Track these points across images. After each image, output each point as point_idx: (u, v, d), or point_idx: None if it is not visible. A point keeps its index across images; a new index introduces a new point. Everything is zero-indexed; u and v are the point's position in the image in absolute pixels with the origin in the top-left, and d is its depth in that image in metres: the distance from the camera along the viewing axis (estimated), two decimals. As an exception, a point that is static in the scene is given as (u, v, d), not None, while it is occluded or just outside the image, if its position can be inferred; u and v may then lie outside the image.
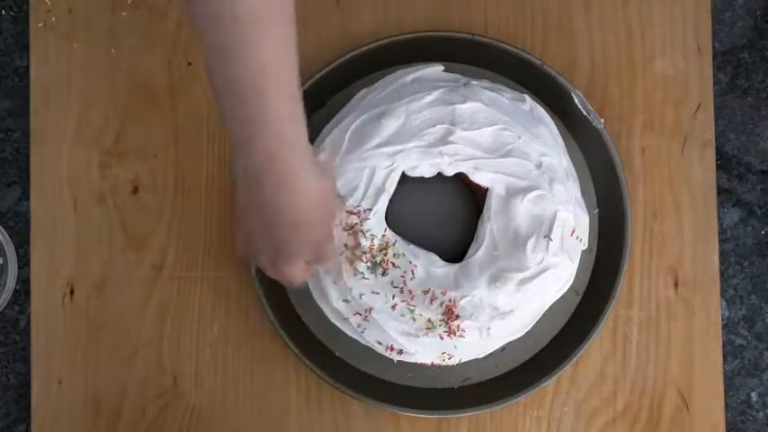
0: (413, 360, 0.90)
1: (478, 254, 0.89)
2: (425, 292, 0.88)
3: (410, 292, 0.88)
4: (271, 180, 0.71)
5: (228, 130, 0.71)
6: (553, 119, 0.93)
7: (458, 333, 0.88)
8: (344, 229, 0.88)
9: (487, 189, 0.89)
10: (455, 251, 0.91)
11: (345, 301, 0.88)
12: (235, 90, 0.68)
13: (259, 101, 0.68)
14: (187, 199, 0.97)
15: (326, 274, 0.89)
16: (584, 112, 0.93)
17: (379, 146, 0.88)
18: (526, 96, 0.92)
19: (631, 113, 0.97)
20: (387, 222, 0.89)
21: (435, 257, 0.90)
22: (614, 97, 0.97)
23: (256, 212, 0.74)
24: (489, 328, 0.88)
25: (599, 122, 0.93)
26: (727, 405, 0.96)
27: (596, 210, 0.95)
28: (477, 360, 0.92)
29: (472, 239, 0.91)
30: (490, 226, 0.89)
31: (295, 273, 0.79)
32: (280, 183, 0.72)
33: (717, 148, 0.97)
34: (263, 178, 0.71)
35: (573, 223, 0.89)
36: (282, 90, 0.69)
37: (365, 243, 0.88)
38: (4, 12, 0.98)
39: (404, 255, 0.89)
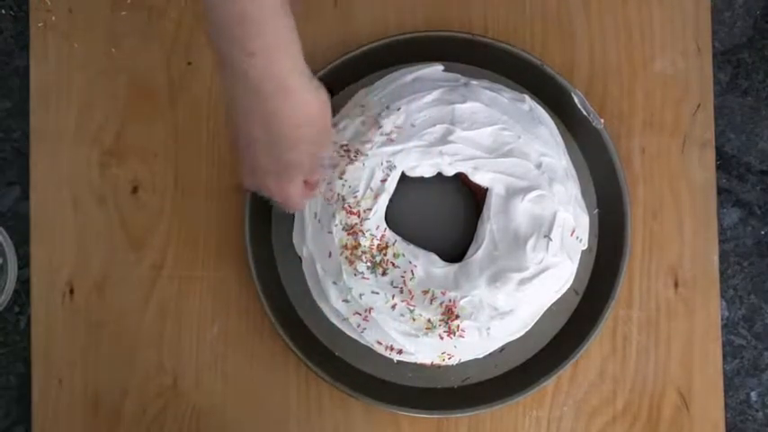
0: (413, 360, 0.90)
1: (478, 254, 0.89)
2: (425, 292, 0.88)
3: (410, 292, 0.88)
4: (271, 84, 0.73)
5: (219, 48, 0.72)
6: (553, 119, 0.93)
7: (457, 333, 0.88)
8: (344, 230, 0.88)
9: (487, 189, 0.89)
10: (455, 251, 0.91)
11: (345, 301, 0.88)
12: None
13: (255, 6, 0.70)
14: (187, 198, 0.97)
15: (327, 275, 0.89)
16: (584, 112, 0.93)
17: (378, 146, 0.88)
18: (526, 96, 0.92)
19: (631, 113, 0.97)
20: (386, 222, 0.89)
21: (435, 257, 0.90)
22: (614, 97, 0.97)
23: (260, 126, 0.75)
24: (489, 328, 0.88)
25: (599, 122, 0.93)
26: (726, 405, 0.96)
27: (596, 210, 0.95)
28: (476, 360, 0.92)
29: (472, 239, 0.91)
30: (490, 226, 0.89)
31: (297, 192, 0.81)
32: (280, 86, 0.73)
33: (716, 148, 0.97)
34: (263, 84, 0.73)
35: (573, 223, 0.89)
36: (275, 5, 0.71)
37: (365, 243, 0.88)
38: (4, 11, 0.98)
39: (403, 255, 0.89)
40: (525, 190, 0.88)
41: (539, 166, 0.88)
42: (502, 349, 0.93)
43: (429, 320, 0.87)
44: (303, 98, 0.75)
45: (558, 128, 0.93)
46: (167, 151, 0.97)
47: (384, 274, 0.88)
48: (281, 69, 0.73)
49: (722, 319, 0.96)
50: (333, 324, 0.91)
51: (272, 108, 0.74)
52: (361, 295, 0.88)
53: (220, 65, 0.74)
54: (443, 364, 0.90)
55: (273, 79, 0.73)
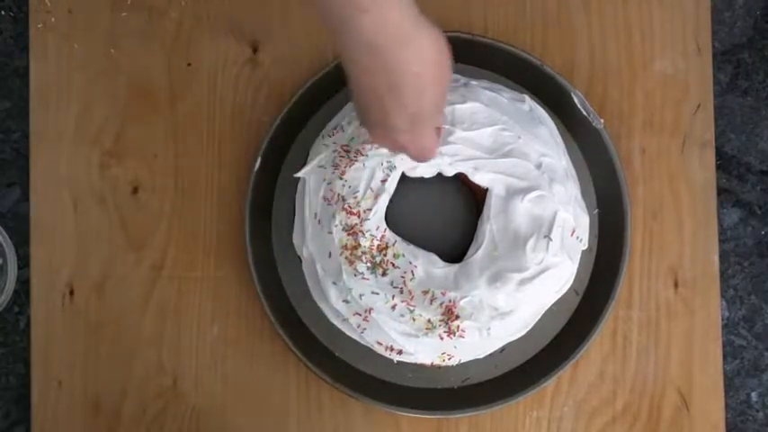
0: (413, 360, 0.90)
1: (478, 254, 0.89)
2: (425, 293, 0.88)
3: (410, 292, 0.88)
4: (386, 36, 0.73)
5: (332, 11, 0.72)
6: (553, 119, 0.93)
7: (457, 333, 0.88)
8: (344, 230, 0.88)
9: (487, 189, 0.89)
10: (455, 251, 0.91)
11: (345, 301, 0.88)
12: None
13: None
14: (187, 199, 0.97)
15: (327, 275, 0.89)
16: (584, 113, 0.93)
17: (378, 146, 0.88)
18: (526, 96, 0.92)
19: (631, 113, 0.96)
20: (387, 223, 0.89)
21: (435, 258, 0.90)
22: (614, 97, 0.97)
23: (383, 82, 0.75)
24: (489, 329, 0.88)
25: (599, 122, 0.93)
26: (727, 405, 0.96)
27: (596, 210, 0.95)
28: (476, 360, 0.92)
29: (472, 240, 0.91)
30: (490, 226, 0.89)
31: (431, 142, 0.81)
32: (395, 36, 0.73)
33: (717, 149, 0.97)
34: (379, 38, 0.73)
35: (573, 223, 0.89)
36: None
37: (365, 243, 0.88)
38: (3, 12, 0.98)
39: (403, 255, 0.89)
40: (525, 190, 0.88)
41: (539, 166, 0.88)
42: (502, 350, 0.93)
43: (429, 321, 0.87)
44: (420, 44, 0.74)
45: (558, 128, 0.93)
46: (167, 151, 0.97)
47: (384, 274, 0.88)
48: (394, 19, 0.72)
49: (722, 320, 0.96)
50: (333, 324, 0.91)
51: (391, 61, 0.74)
52: (361, 296, 0.88)
53: (336, 31, 0.73)
54: (443, 364, 0.90)
55: (388, 31, 0.72)
